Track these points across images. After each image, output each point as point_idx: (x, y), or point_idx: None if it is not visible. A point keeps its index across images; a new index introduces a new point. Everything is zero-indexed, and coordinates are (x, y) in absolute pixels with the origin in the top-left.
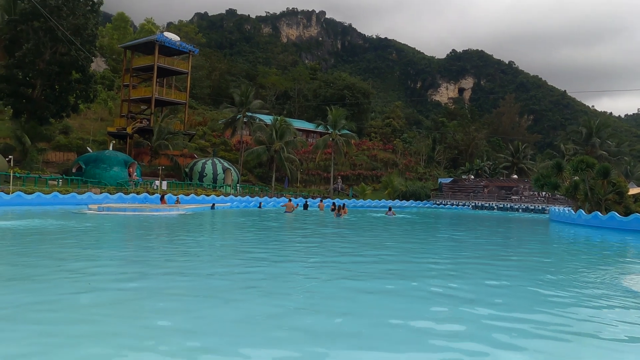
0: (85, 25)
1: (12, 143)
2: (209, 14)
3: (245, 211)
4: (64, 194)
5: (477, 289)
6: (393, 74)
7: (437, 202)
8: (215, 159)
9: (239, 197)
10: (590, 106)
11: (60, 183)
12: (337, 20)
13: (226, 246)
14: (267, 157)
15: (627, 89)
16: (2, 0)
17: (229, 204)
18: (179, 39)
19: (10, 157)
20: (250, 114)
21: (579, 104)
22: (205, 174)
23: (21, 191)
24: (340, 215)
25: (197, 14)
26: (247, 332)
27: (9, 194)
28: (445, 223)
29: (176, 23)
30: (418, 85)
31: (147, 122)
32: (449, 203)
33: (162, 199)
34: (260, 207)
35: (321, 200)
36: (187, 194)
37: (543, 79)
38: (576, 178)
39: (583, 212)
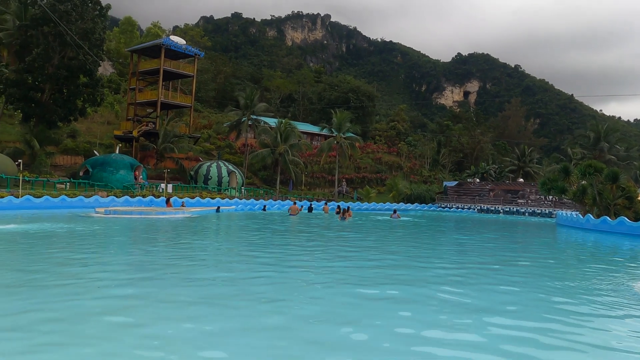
0: (94, 30)
1: (22, 147)
2: (215, 18)
3: (250, 214)
4: (71, 197)
5: (486, 296)
6: (398, 77)
7: (442, 206)
8: (220, 162)
9: (243, 200)
10: (598, 110)
11: (68, 186)
12: (342, 23)
13: (231, 250)
14: (271, 160)
15: (637, 93)
16: (14, 6)
17: (233, 206)
18: (184, 42)
19: (19, 161)
20: (255, 116)
21: (586, 108)
22: (210, 177)
23: (30, 195)
24: (345, 218)
25: (203, 18)
26: (251, 342)
27: (18, 197)
28: (450, 227)
29: (182, 27)
30: (423, 89)
31: (153, 126)
32: (454, 206)
33: (167, 201)
34: (264, 210)
35: (326, 203)
36: (193, 197)
37: (550, 82)
38: (584, 182)
39: (591, 216)
